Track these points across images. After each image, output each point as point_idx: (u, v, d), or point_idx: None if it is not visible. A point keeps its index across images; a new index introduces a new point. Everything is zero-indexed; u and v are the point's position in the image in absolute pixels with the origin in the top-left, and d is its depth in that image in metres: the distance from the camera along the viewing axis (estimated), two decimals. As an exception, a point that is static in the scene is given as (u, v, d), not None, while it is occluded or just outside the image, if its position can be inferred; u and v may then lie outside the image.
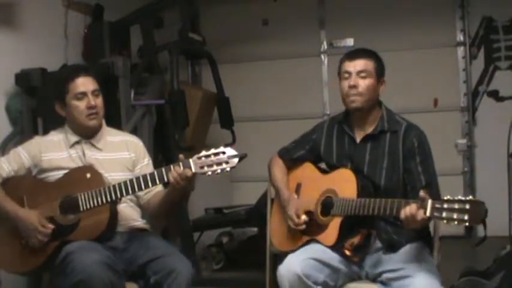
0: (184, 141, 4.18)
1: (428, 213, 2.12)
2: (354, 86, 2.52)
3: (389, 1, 5.45)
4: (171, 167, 2.40)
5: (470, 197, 2.04)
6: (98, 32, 4.27)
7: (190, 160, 2.38)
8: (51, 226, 2.49)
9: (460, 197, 2.05)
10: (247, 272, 4.17)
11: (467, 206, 2.02)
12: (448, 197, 2.08)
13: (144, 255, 2.49)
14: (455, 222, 2.04)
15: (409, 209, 2.19)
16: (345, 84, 2.55)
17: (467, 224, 2.03)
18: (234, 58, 5.63)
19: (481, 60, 5.35)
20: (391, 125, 2.57)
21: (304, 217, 2.56)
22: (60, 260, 2.37)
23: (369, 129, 2.59)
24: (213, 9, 5.64)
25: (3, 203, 2.56)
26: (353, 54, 2.59)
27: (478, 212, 2.02)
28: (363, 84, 2.52)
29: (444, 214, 2.07)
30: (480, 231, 4.99)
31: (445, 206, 2.07)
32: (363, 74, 2.53)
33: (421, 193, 2.17)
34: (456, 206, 2.04)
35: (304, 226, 2.55)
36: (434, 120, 4.98)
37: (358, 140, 2.61)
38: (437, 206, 2.09)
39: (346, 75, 2.55)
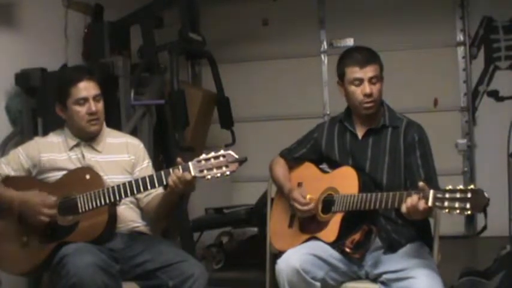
0: (184, 141, 4.17)
1: (430, 203, 2.13)
2: (371, 95, 2.53)
3: (389, 1, 5.45)
4: (171, 170, 2.39)
5: (472, 186, 2.05)
6: (98, 32, 4.26)
7: (190, 163, 2.36)
8: (54, 199, 2.48)
9: (461, 187, 2.06)
10: (247, 272, 4.17)
11: (469, 195, 2.03)
12: (450, 187, 2.09)
13: (155, 261, 2.49)
14: (457, 211, 2.05)
15: (410, 200, 2.19)
16: (358, 91, 2.55)
17: (469, 212, 2.03)
18: (234, 58, 5.62)
19: (481, 60, 5.35)
20: (393, 120, 2.60)
21: (309, 196, 2.56)
22: (56, 262, 2.36)
23: (371, 125, 2.60)
24: (213, 9, 5.63)
25: (5, 192, 2.55)
26: (360, 59, 2.55)
27: (480, 200, 2.02)
28: (376, 90, 2.54)
29: (446, 203, 2.08)
30: (479, 226, 5.01)
31: (447, 195, 2.08)
32: (374, 80, 2.55)
33: (420, 184, 2.18)
34: (458, 195, 2.05)
35: (312, 205, 2.54)
36: (434, 120, 4.96)
37: (360, 135, 2.62)
38: (439, 195, 2.10)
39: (357, 82, 2.55)
